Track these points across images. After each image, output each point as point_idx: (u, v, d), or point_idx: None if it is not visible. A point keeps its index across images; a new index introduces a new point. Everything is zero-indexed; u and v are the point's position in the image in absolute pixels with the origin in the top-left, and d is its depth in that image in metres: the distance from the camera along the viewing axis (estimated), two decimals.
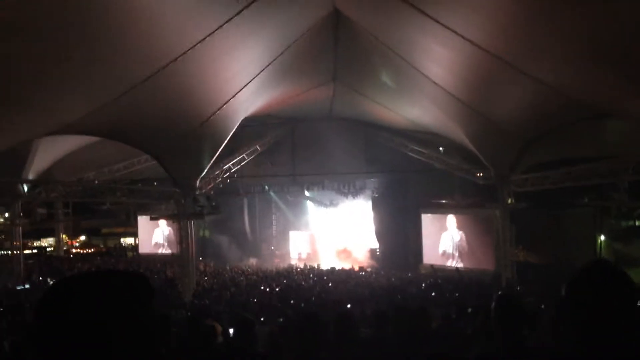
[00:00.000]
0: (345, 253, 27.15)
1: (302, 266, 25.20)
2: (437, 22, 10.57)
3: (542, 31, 9.64)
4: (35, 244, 34.37)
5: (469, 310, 6.45)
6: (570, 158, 17.21)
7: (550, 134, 14.78)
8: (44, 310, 1.13)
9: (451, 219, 23.09)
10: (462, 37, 10.80)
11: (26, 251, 25.10)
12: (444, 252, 23.37)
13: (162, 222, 26.72)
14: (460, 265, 22.24)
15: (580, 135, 15.07)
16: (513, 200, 18.47)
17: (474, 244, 22.35)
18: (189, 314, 9.41)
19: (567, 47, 9.88)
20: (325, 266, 24.78)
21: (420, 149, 22.44)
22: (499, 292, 2.96)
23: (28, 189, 20.58)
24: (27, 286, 18.04)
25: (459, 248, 22.86)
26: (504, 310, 2.48)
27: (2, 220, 24.75)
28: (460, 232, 22.87)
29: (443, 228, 23.45)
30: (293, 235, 28.29)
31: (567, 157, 17.39)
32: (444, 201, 23.53)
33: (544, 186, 17.21)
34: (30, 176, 19.39)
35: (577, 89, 11.46)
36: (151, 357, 1.16)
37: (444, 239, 23.44)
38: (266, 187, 26.18)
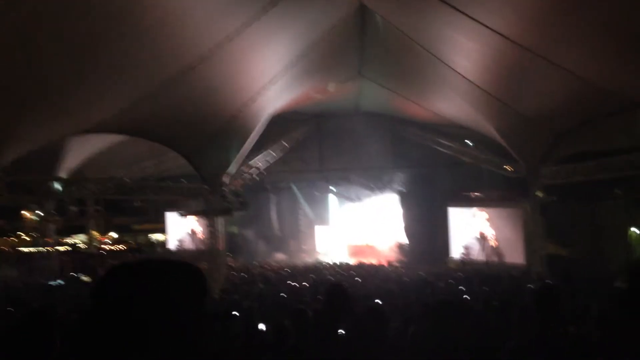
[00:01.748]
0: (372, 248, 27.10)
1: (329, 261, 25.23)
2: (465, 14, 10.47)
3: (571, 21, 9.49)
4: (67, 241, 35.05)
5: (498, 303, 6.39)
6: (602, 150, 16.90)
7: (582, 125, 14.55)
8: (103, 291, 1.14)
9: (480, 213, 22.87)
10: (490, 29, 10.70)
11: (58, 248, 25.56)
12: (473, 246, 23.18)
13: (192, 219, 26.98)
14: (489, 259, 22.05)
15: (612, 127, 14.79)
16: (543, 193, 18.22)
17: (503, 238, 22.11)
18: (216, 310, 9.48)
19: (598, 37, 9.71)
20: (352, 261, 24.77)
21: (448, 143, 22.26)
22: (541, 284, 2.93)
23: (60, 187, 20.97)
24: (60, 282, 18.39)
25: (487, 242, 22.64)
26: (546, 302, 2.46)
27: (35, 217, 25.24)
28: (489, 226, 22.63)
29: (471, 222, 23.23)
30: (320, 230, 28.31)
31: (599, 149, 17.07)
32: (472, 195, 23.31)
33: (575, 178, 16.92)
34: (63, 174, 19.76)
35: (609, 79, 11.27)
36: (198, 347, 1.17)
37: (473, 233, 23.24)
38: (291, 185, 26.27)
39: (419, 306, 4.98)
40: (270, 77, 14.68)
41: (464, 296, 9.52)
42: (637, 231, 19.71)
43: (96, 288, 1.15)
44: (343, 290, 4.03)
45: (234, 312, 6.02)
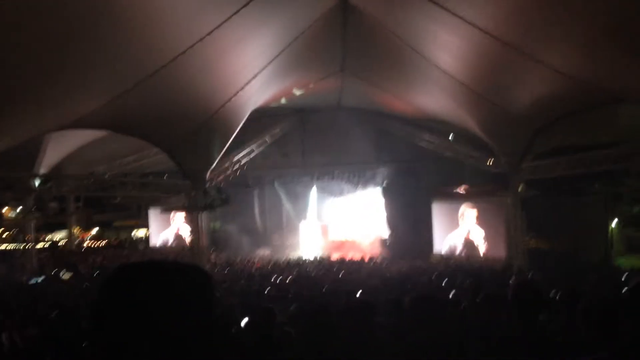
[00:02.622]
0: (355, 243, 27.15)
1: (312, 257, 25.25)
2: (446, 9, 10.50)
3: (552, 16, 9.56)
4: (47, 238, 34.69)
5: (480, 297, 6.42)
6: (582, 144, 17.09)
7: (562, 120, 14.68)
8: (109, 293, 1.13)
9: (462, 208, 23.03)
10: (472, 25, 10.74)
11: (39, 245, 25.31)
12: (455, 241, 23.35)
13: (174, 215, 26.84)
14: (471, 253, 22.23)
15: (592, 121, 14.96)
16: (524, 188, 18.38)
17: (485, 232, 22.30)
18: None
19: (578, 32, 9.79)
20: (335, 256, 24.83)
21: (430, 138, 22.36)
22: (515, 280, 2.96)
23: (40, 183, 20.73)
24: (40, 280, 18.20)
25: (469, 236, 22.82)
26: (522, 297, 2.47)
27: (14, 214, 24.96)
28: (471, 221, 22.80)
29: (454, 217, 23.40)
30: (303, 225, 28.31)
31: (579, 144, 17.26)
32: (454, 190, 23.45)
33: (556, 173, 17.09)
34: (42, 170, 19.54)
35: (589, 74, 11.38)
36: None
37: (455, 228, 23.40)
38: (274, 181, 26.22)
39: (399, 302, 4.98)
40: (252, 72, 14.60)
41: (451, 292, 9.56)
42: (617, 225, 20.00)
43: (105, 287, 1.14)
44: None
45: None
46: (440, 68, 14.14)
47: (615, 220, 21.16)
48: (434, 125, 21.60)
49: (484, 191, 21.59)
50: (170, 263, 1.21)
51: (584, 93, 12.13)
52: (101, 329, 1.12)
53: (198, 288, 1.17)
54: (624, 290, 1.59)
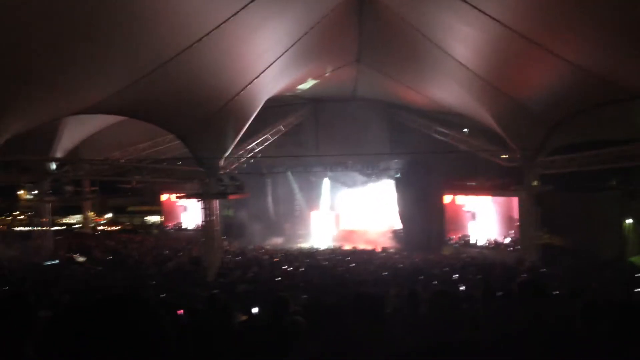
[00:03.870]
0: (367, 234, 27.18)
1: (324, 246, 25.33)
2: (464, 1, 10.42)
3: (572, 11, 9.46)
4: (63, 221, 35.06)
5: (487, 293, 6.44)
6: (598, 140, 16.92)
7: (578, 115, 14.55)
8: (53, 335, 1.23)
9: (475, 201, 22.96)
10: (490, 16, 10.66)
11: (54, 228, 25.58)
12: (468, 234, 23.30)
13: (188, 201, 26.99)
14: (484, 246, 22.18)
15: (608, 117, 14.80)
16: (538, 183, 18.27)
17: (498, 226, 22.24)
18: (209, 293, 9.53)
19: (598, 27, 9.69)
20: (347, 247, 24.89)
21: (444, 130, 22.25)
22: (522, 277, 2.96)
23: (56, 167, 20.94)
24: (55, 262, 18.43)
25: (482, 230, 22.76)
26: (527, 293, 2.48)
27: (31, 197, 25.21)
28: (484, 214, 22.73)
29: (467, 210, 23.34)
30: (315, 215, 28.37)
31: (595, 140, 17.10)
32: (468, 183, 23.36)
33: (571, 169, 16.96)
34: (58, 154, 19.73)
35: (607, 69, 11.25)
36: None
37: (468, 221, 23.35)
38: (287, 171, 26.24)
39: (411, 294, 5.00)
40: (267, 60, 14.59)
41: (462, 286, 9.59)
42: (632, 223, 19.80)
43: (49, 329, 1.23)
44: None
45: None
46: (457, 60, 14.04)
47: (630, 218, 20.94)
48: (449, 118, 21.50)
49: (498, 185, 21.48)
50: (107, 301, 1.27)
51: (601, 89, 12.02)
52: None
53: (136, 323, 1.24)
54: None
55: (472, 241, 22.81)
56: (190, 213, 29.28)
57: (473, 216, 22.90)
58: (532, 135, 16.56)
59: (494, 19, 10.71)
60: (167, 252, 21.83)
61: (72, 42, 9.45)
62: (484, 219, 22.80)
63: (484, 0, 10.41)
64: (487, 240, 22.19)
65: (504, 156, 19.61)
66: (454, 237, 23.47)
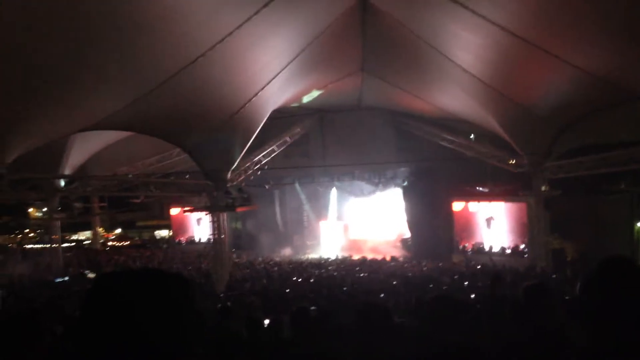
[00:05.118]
0: (375, 243, 27.13)
1: (333, 257, 25.28)
2: (467, 8, 10.44)
3: (575, 15, 9.46)
4: (72, 237, 35.23)
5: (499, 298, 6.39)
6: (606, 143, 16.82)
7: (585, 118, 14.49)
8: (89, 304, 1.18)
9: (484, 208, 22.87)
10: (493, 22, 10.67)
11: (64, 244, 25.69)
12: (477, 241, 23.18)
13: (197, 214, 27.06)
14: (493, 253, 22.05)
15: (616, 120, 14.75)
16: (547, 188, 18.18)
17: (507, 232, 22.12)
18: (219, 305, 9.52)
19: (602, 30, 9.68)
20: (356, 257, 24.83)
21: (450, 137, 22.21)
22: (527, 283, 2.93)
23: (65, 184, 21.07)
24: (65, 278, 18.50)
25: (491, 237, 22.64)
26: (532, 300, 2.46)
27: (40, 214, 25.37)
28: (493, 221, 22.63)
29: (475, 217, 23.24)
30: (324, 225, 28.35)
31: (603, 143, 17.00)
32: (476, 189, 23.27)
33: (579, 172, 16.86)
34: (67, 171, 19.86)
35: (613, 71, 11.22)
36: (184, 353, 1.21)
37: (477, 228, 23.24)
38: (294, 181, 26.25)
39: (419, 302, 4.97)
40: (272, 71, 14.66)
41: (471, 294, 9.52)
42: None
43: (86, 297, 1.20)
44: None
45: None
46: (462, 67, 14.04)
47: None
48: (455, 124, 21.47)
49: (506, 191, 21.38)
50: (150, 272, 1.27)
51: (607, 92, 11.98)
52: (85, 334, 1.19)
53: (175, 295, 1.23)
54: None
55: (486, 248, 22.66)
56: (202, 226, 29.36)
57: (488, 223, 22.71)
58: (539, 140, 16.51)
59: (498, 25, 10.72)
60: (177, 265, 21.86)
61: (79, 59, 9.54)
62: (498, 225, 22.66)
63: (488, 8, 10.42)
64: (501, 247, 22.05)
65: (511, 162, 19.54)
66: (468, 244, 23.31)
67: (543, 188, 18.13)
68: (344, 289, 13.41)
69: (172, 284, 1.24)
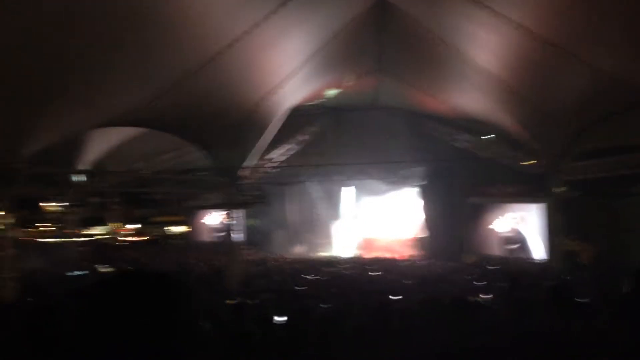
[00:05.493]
0: (389, 242, 27.06)
1: (346, 255, 25.24)
2: (486, 7, 10.38)
3: (594, 15, 9.36)
4: (88, 232, 35.45)
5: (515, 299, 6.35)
6: (625, 145, 16.62)
7: (603, 120, 14.33)
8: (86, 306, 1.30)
9: (499, 208, 22.72)
10: (512, 21, 10.59)
11: (79, 239, 25.87)
12: (491, 242, 23.04)
13: (212, 211, 27.17)
14: (507, 254, 21.92)
15: (635, 122, 14.56)
16: (564, 189, 18.00)
17: (521, 233, 21.96)
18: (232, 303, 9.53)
19: (620, 30, 9.57)
20: (369, 256, 24.76)
21: (466, 138, 22.08)
22: (549, 283, 2.91)
23: (81, 179, 21.23)
24: (79, 273, 18.62)
25: (506, 237, 22.49)
26: (558, 300, 2.43)
27: (56, 209, 25.57)
28: (508, 221, 22.47)
29: (490, 217, 23.09)
30: (337, 224, 28.31)
31: (621, 145, 16.80)
32: (491, 190, 23.12)
33: (597, 174, 16.66)
34: (83, 166, 19.99)
35: (632, 73, 11.08)
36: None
37: (491, 228, 23.09)
38: (308, 180, 26.22)
39: (432, 302, 4.95)
40: (288, 70, 14.67)
41: (480, 295, 9.45)
42: None
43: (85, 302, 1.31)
44: None
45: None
46: (479, 67, 13.96)
47: None
48: (471, 125, 21.33)
49: (521, 192, 21.21)
50: (142, 273, 1.37)
51: (627, 92, 11.83)
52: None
53: (159, 294, 1.32)
54: None
55: (495, 249, 22.51)
56: (214, 223, 29.45)
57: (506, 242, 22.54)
58: (556, 141, 16.35)
59: (517, 24, 10.64)
60: (191, 261, 21.94)
61: (99, 55, 9.61)
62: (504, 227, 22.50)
63: (507, 7, 10.36)
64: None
65: (527, 163, 19.37)
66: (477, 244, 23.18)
67: (560, 189, 17.95)
68: (357, 288, 13.38)
69: (159, 285, 1.31)
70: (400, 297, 9.29)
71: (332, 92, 19.83)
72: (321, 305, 5.11)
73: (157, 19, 9.40)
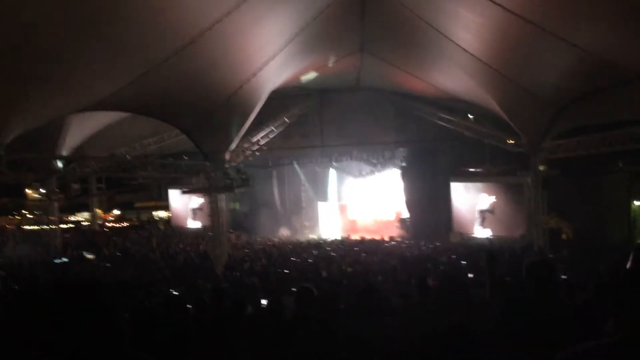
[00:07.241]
0: (374, 223, 27.23)
1: (331, 237, 25.35)
2: None
3: None
4: (71, 219, 35.24)
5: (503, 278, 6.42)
6: (605, 123, 16.76)
7: (584, 98, 14.42)
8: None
9: (482, 187, 22.89)
10: (492, 1, 10.57)
11: (62, 226, 25.70)
12: (474, 221, 23.24)
13: (196, 195, 27.04)
14: (491, 233, 22.15)
15: (615, 99, 14.65)
16: (545, 168, 18.17)
17: (505, 212, 22.17)
18: (211, 286, 9.53)
19: (601, 8, 9.59)
20: (354, 237, 24.90)
21: (449, 118, 22.15)
22: (531, 260, 2.93)
23: (62, 165, 20.99)
24: (64, 260, 18.54)
25: (489, 216, 22.70)
26: (537, 277, 2.46)
27: (38, 195, 25.35)
28: (491, 200, 22.67)
29: (473, 196, 23.27)
30: (322, 206, 28.38)
31: (601, 122, 16.94)
32: (474, 170, 23.28)
33: (577, 152, 16.81)
34: (64, 152, 19.76)
35: (612, 51, 11.14)
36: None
37: (475, 208, 23.28)
38: (293, 161, 26.17)
39: (419, 281, 4.99)
40: (270, 52, 14.56)
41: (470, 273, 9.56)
42: (639, 204, 19.69)
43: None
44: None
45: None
46: (461, 47, 13.96)
47: (638, 200, 20.81)
48: (454, 104, 21.38)
49: (504, 171, 21.39)
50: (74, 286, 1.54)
51: (607, 71, 11.89)
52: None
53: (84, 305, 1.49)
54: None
55: (478, 228, 22.74)
56: (197, 207, 29.31)
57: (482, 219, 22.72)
58: (537, 120, 16.46)
59: (498, 4, 10.62)
60: (175, 246, 21.91)
61: (78, 39, 9.46)
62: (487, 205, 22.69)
63: None
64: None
65: (510, 142, 19.52)
66: (461, 224, 23.39)
67: (541, 168, 18.13)
68: (343, 270, 13.47)
69: (88, 295, 1.42)
70: (386, 278, 9.38)
71: (309, 76, 19.74)
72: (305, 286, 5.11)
73: (134, 3, 9.26)
